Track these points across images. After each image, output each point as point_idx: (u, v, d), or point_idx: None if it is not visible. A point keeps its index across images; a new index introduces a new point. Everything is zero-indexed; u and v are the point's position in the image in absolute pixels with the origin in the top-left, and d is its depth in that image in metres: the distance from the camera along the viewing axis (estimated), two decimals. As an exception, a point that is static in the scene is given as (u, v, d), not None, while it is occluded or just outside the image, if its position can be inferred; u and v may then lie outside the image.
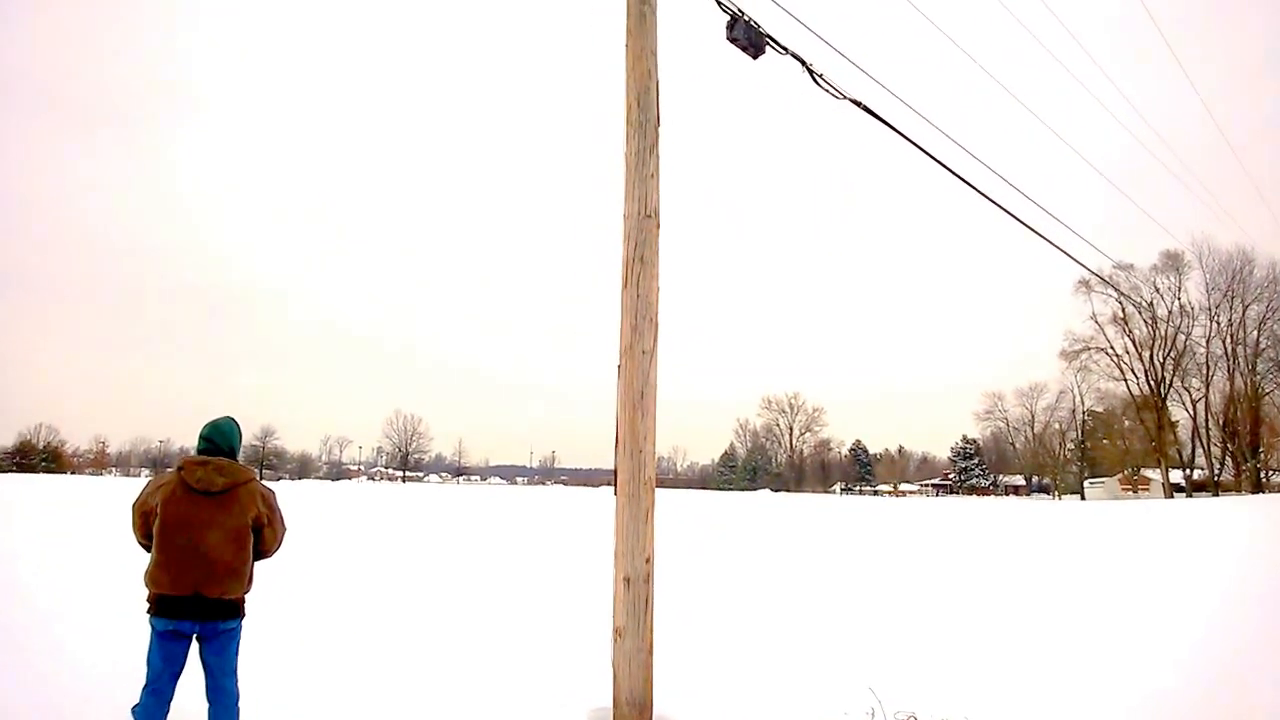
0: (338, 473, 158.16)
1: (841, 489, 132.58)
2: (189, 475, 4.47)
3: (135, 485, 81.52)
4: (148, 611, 4.41)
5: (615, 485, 5.13)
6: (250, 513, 4.57)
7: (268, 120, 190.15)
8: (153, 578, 4.35)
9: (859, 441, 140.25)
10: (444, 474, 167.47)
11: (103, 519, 25.22)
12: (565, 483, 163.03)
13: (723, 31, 5.90)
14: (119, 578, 12.74)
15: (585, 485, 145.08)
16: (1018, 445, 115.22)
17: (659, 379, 5.09)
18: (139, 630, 7.90)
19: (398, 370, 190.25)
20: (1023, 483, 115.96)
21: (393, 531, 26.67)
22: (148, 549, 4.56)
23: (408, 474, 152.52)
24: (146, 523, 4.51)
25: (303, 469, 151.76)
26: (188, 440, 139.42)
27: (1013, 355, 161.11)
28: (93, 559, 15.40)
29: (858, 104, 7.14)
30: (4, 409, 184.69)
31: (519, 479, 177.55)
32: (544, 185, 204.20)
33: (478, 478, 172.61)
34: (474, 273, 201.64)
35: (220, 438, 4.71)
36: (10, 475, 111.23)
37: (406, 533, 26.30)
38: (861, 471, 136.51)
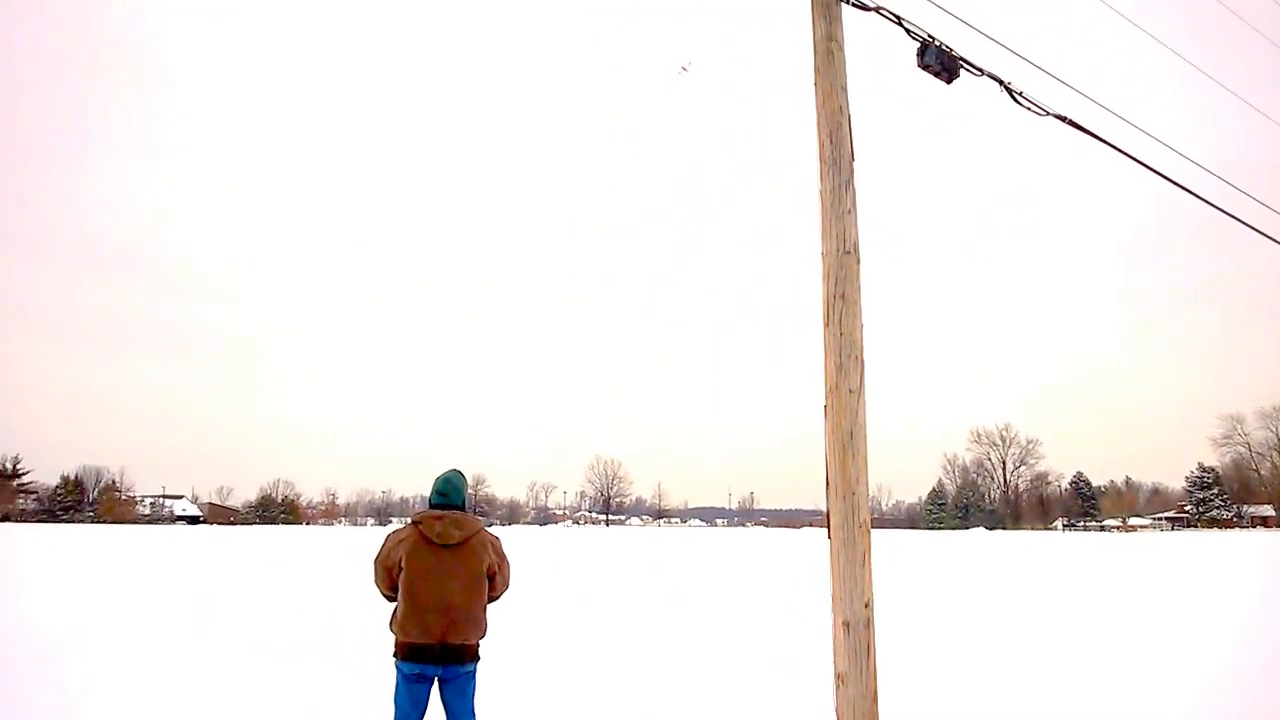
0: (544, 517, 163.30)
1: (1064, 525, 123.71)
2: (428, 530, 4.77)
3: (362, 534, 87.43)
4: (395, 656, 4.76)
5: (828, 528, 5.02)
6: (485, 561, 4.87)
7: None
8: (401, 627, 4.69)
9: (1080, 474, 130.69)
10: (645, 517, 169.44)
11: (340, 568, 27.10)
12: (765, 524, 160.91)
13: (912, 59, 5.78)
14: (356, 621, 13.64)
15: (787, 526, 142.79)
16: (1263, 472, 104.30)
17: (867, 418, 4.97)
18: (377, 670, 8.41)
19: (597, 414, 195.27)
20: (1271, 513, 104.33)
21: (605, 575, 27.21)
22: (390, 599, 4.94)
23: (610, 518, 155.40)
24: (390, 576, 4.86)
25: (512, 514, 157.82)
26: (406, 491, 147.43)
27: (1250, 373, 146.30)
28: (342, 602, 16.57)
29: (1063, 119, 6.78)
30: (248, 466, 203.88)
31: (719, 521, 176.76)
32: (735, 221, 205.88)
33: (678, 520, 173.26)
34: (662, 314, 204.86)
35: (453, 491, 5.00)
36: (253, 527, 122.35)
37: (618, 576, 26.76)
38: (1085, 506, 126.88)
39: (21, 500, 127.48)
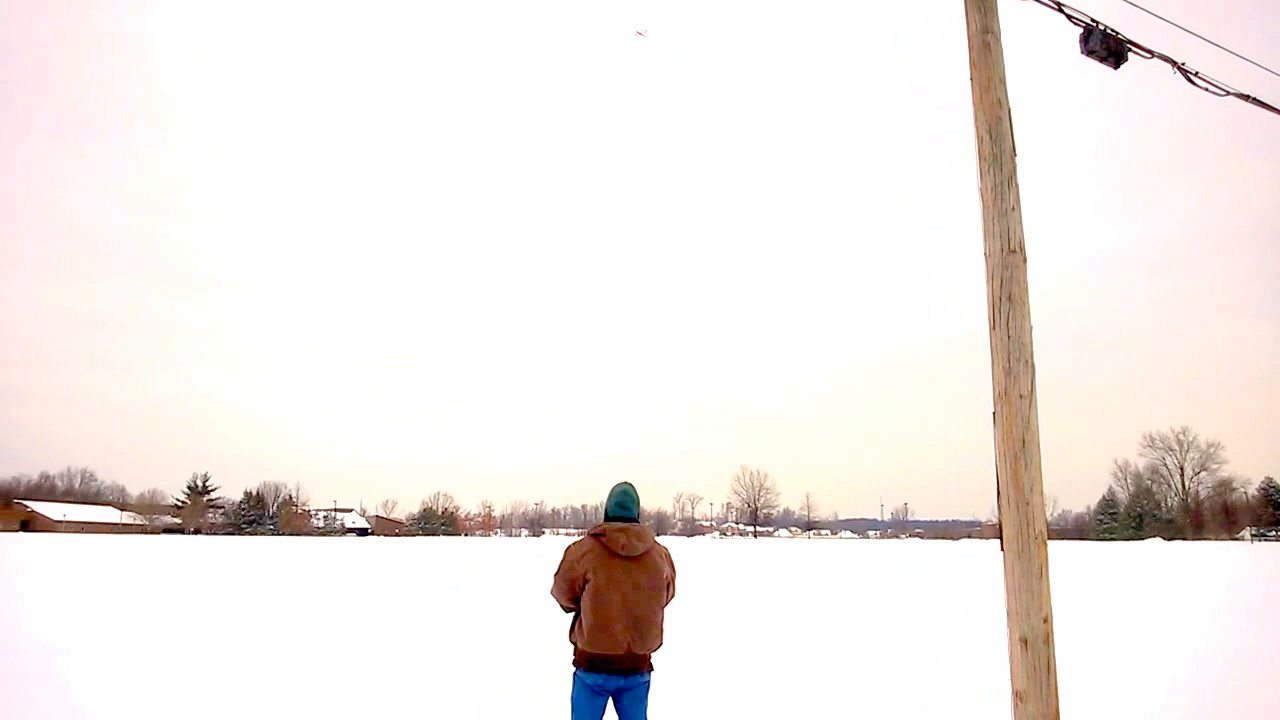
0: (691, 529, 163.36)
1: (1253, 535, 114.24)
2: (612, 543, 4.84)
3: (519, 545, 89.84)
4: (576, 665, 4.86)
5: (1001, 540, 4.80)
6: (663, 572, 4.96)
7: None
8: (589, 639, 4.76)
9: (1270, 479, 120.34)
10: (793, 528, 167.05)
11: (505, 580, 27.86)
12: (921, 536, 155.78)
13: (1074, 46, 5.51)
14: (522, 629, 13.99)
15: (944, 538, 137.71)
16: None
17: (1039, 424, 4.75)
18: (548, 678, 8.59)
19: (743, 425, 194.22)
20: None
21: (758, 586, 26.97)
22: (568, 610, 5.04)
23: (758, 529, 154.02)
24: (574, 588, 4.92)
25: (659, 526, 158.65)
26: (558, 502, 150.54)
27: None
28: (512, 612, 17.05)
29: (1245, 97, 6.31)
30: (411, 483, 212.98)
31: (870, 532, 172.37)
32: (880, 230, 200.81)
33: (827, 531, 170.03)
34: (802, 321, 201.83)
35: (632, 504, 5.05)
36: (416, 539, 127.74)
37: (772, 588, 26.48)
38: (1277, 514, 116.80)
39: (211, 515, 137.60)
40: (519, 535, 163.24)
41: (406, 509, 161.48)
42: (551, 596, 5.13)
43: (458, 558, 51.68)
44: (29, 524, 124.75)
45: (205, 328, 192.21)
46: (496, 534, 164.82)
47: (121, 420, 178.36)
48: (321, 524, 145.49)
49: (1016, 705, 4.73)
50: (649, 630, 4.80)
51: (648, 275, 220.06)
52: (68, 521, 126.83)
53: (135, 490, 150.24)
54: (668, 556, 5.07)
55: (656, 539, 5.08)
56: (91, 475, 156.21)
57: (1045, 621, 4.56)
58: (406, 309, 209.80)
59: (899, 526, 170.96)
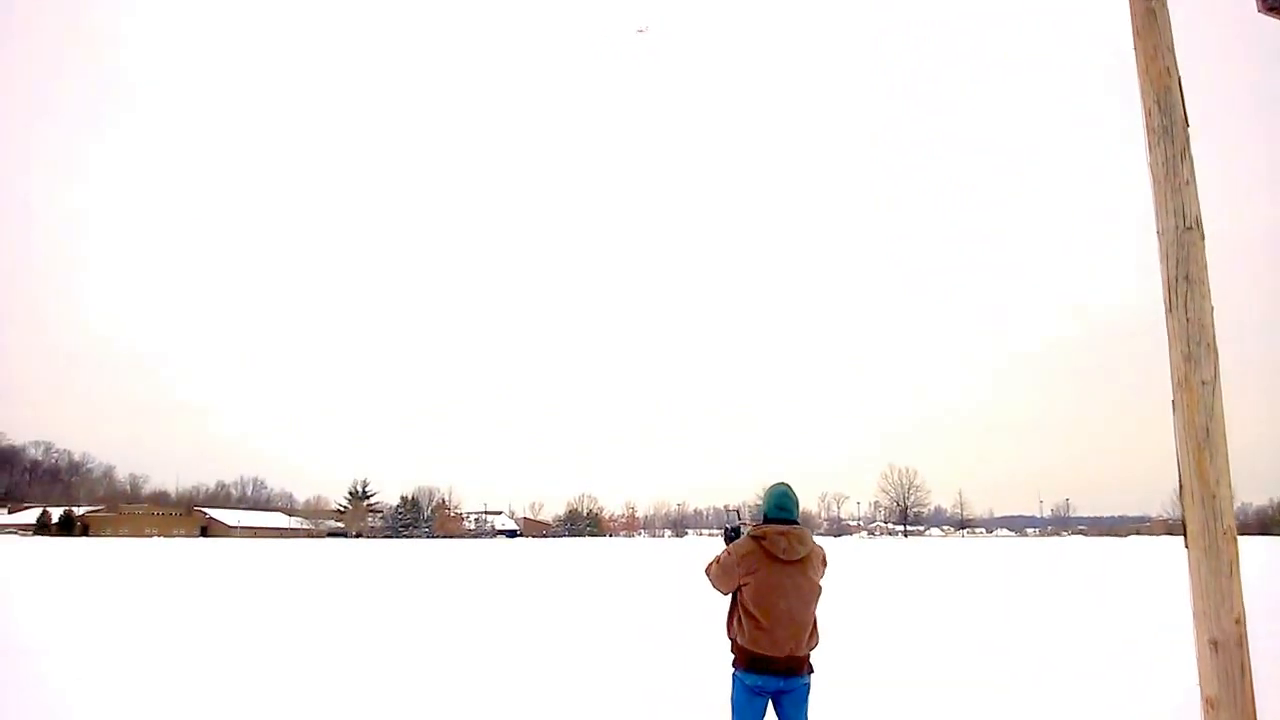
0: (838, 528, 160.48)
1: None
2: (773, 546, 4.83)
3: (662, 546, 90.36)
4: (736, 667, 4.87)
5: (1184, 536, 4.52)
6: (820, 574, 4.98)
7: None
8: (752, 639, 4.77)
9: None
10: (945, 527, 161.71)
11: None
12: (1084, 533, 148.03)
13: (1249, 5, 5.12)
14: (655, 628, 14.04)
15: (1110, 535, 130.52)
16: None
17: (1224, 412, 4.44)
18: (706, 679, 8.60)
19: (888, 421, 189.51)
20: None
21: (915, 586, 26.27)
22: (723, 593, 5.06)
23: (908, 528, 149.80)
24: (732, 583, 4.94)
25: (804, 526, 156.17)
26: (700, 503, 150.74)
27: None
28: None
29: None
30: (556, 483, 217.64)
31: (1028, 530, 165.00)
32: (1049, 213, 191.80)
33: (982, 530, 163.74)
34: (948, 313, 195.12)
35: (792, 505, 5.06)
36: (562, 539, 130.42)
37: (929, 587, 25.73)
38: None
39: (371, 519, 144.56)
40: (662, 536, 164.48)
41: (552, 510, 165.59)
42: (706, 577, 5.15)
43: (605, 557, 52.48)
44: (207, 530, 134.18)
45: (358, 340, 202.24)
46: (640, 534, 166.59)
47: (289, 430, 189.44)
48: (473, 526, 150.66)
49: (1208, 712, 4.44)
50: (808, 632, 4.81)
51: (767, 272, 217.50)
52: (242, 527, 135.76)
53: (302, 497, 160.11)
54: (824, 557, 5.06)
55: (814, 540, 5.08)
56: (262, 483, 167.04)
57: (1237, 623, 4.26)
58: (535, 316, 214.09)
59: (1060, 524, 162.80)
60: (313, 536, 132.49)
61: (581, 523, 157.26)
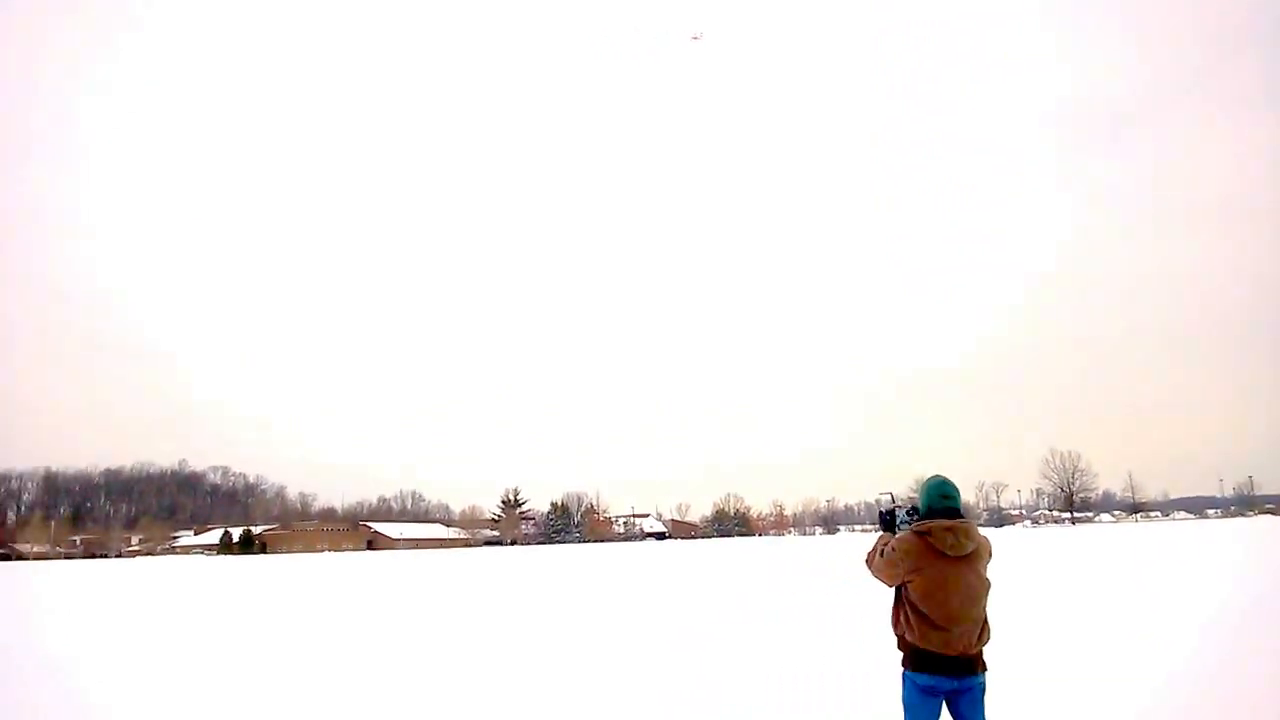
0: (999, 518, 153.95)
1: None
2: (939, 541, 4.62)
3: (813, 543, 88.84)
4: (907, 666, 4.71)
5: None
6: (986, 567, 4.79)
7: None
8: (922, 637, 4.60)
9: None
10: (1116, 512, 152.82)
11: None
12: (1272, 512, 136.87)
13: None
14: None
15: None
16: None
17: None
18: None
19: (1046, 405, 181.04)
20: None
21: (1090, 576, 24.66)
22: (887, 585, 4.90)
23: (1075, 515, 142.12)
24: (896, 578, 4.78)
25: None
26: (851, 499, 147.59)
27: None
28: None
29: None
30: (703, 483, 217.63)
31: (1209, 511, 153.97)
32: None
33: (1157, 514, 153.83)
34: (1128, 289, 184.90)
35: (957, 497, 4.84)
36: (711, 540, 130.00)
37: (1107, 577, 24.11)
38: None
39: (524, 526, 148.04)
40: (813, 533, 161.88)
41: (700, 511, 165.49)
42: (867, 568, 5.01)
43: (756, 556, 51.81)
44: (373, 543, 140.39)
45: (488, 356, 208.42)
46: (790, 533, 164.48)
47: (443, 444, 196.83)
48: (622, 530, 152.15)
49: None
50: (981, 631, 4.64)
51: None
52: (404, 539, 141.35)
53: (457, 507, 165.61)
54: (990, 551, 4.85)
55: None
56: (420, 496, 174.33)
57: None
58: (690, 324, 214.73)
59: (1244, 503, 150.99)
60: (470, 546, 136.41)
61: (730, 523, 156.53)
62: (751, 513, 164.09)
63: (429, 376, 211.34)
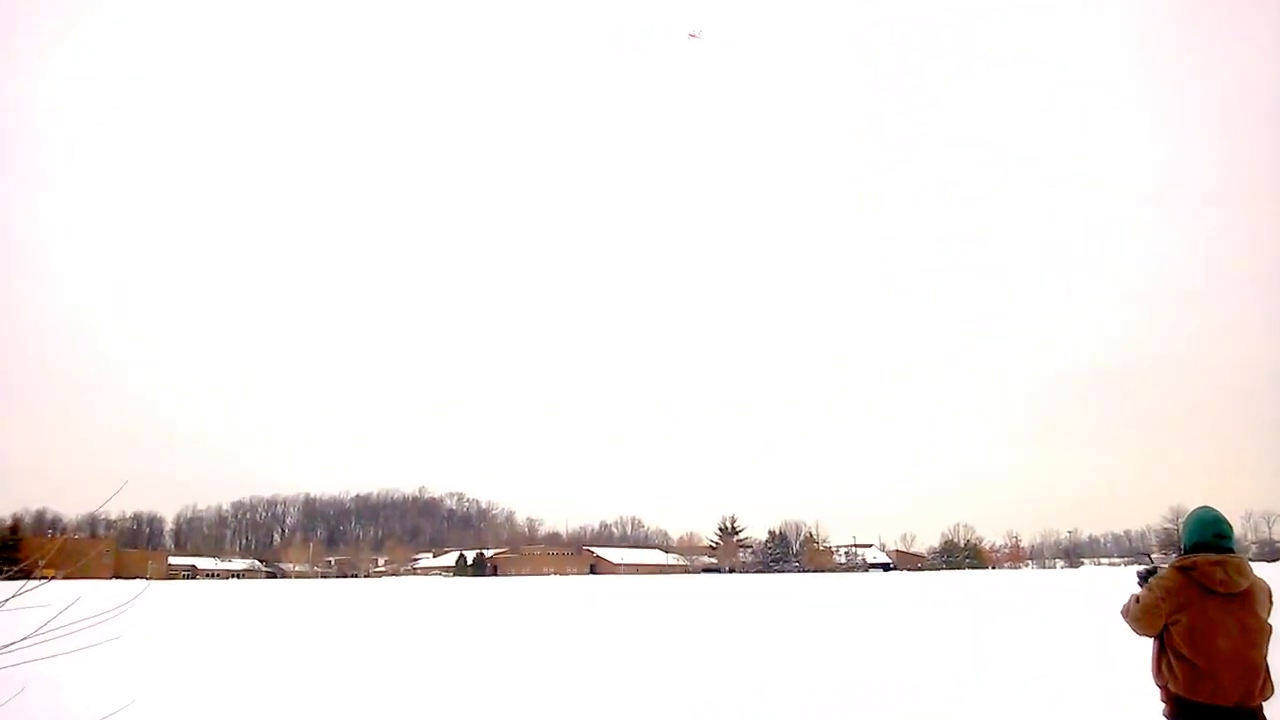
0: (1270, 552, 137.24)
1: None
2: (1206, 578, 4.21)
3: (1047, 577, 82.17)
4: (1170, 716, 4.31)
5: None
6: (1266, 610, 4.30)
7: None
8: (1188, 686, 4.18)
9: None
10: None
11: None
12: None
13: None
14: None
15: None
16: None
17: None
18: None
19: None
20: None
21: None
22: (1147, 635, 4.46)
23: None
24: (1156, 625, 4.36)
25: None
26: (1095, 530, 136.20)
27: None
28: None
29: None
30: (932, 510, 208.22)
31: None
32: None
33: None
34: None
35: (1231, 536, 4.40)
36: (939, 572, 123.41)
37: None
38: None
39: (741, 553, 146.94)
40: (1053, 566, 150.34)
41: (926, 542, 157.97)
42: (1123, 619, 4.57)
43: (990, 590, 48.38)
44: (595, 567, 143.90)
45: (724, 386, 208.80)
46: (1027, 565, 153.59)
47: (660, 470, 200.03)
48: (843, 560, 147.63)
49: None
50: (1259, 679, 4.15)
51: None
52: (625, 564, 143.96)
53: (675, 534, 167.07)
54: (1269, 592, 4.34)
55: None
56: (639, 521, 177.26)
57: None
58: (894, 352, 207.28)
59: None
60: (688, 572, 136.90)
61: (960, 554, 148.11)
62: (983, 543, 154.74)
63: (644, 404, 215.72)
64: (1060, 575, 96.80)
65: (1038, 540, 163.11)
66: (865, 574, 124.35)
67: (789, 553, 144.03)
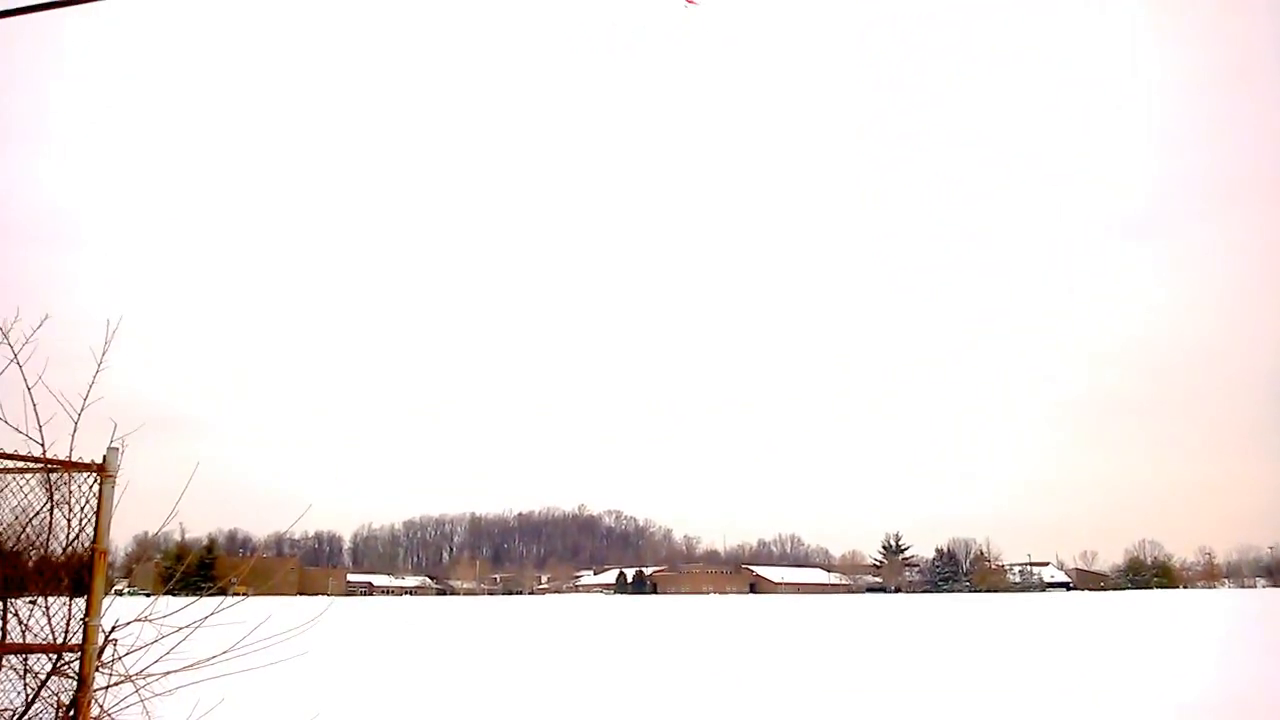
0: None
1: None
2: None
3: (1249, 599, 75.21)
4: None
5: None
6: None
7: None
8: None
9: None
10: None
11: None
12: None
13: None
14: None
15: None
16: None
17: None
18: None
19: None
20: None
21: None
22: None
23: None
24: None
25: None
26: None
27: None
28: None
29: None
30: (1111, 531, 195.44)
31: None
32: None
33: None
34: None
35: None
36: (1125, 592, 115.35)
37: None
38: None
39: (907, 573, 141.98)
40: (1253, 586, 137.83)
41: (1109, 560, 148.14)
42: None
43: (1183, 613, 44.38)
44: (755, 586, 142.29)
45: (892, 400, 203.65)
46: (1223, 584, 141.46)
47: (821, 485, 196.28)
48: (1017, 579, 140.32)
49: None
50: None
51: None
52: (785, 583, 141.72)
53: (837, 552, 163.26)
54: None
55: None
56: (799, 539, 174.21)
57: None
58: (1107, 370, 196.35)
59: None
60: (851, 592, 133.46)
61: (1147, 572, 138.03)
62: (1173, 560, 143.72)
63: (802, 417, 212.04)
64: (1265, 597, 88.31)
65: (1234, 556, 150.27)
66: (1043, 594, 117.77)
67: (958, 571, 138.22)
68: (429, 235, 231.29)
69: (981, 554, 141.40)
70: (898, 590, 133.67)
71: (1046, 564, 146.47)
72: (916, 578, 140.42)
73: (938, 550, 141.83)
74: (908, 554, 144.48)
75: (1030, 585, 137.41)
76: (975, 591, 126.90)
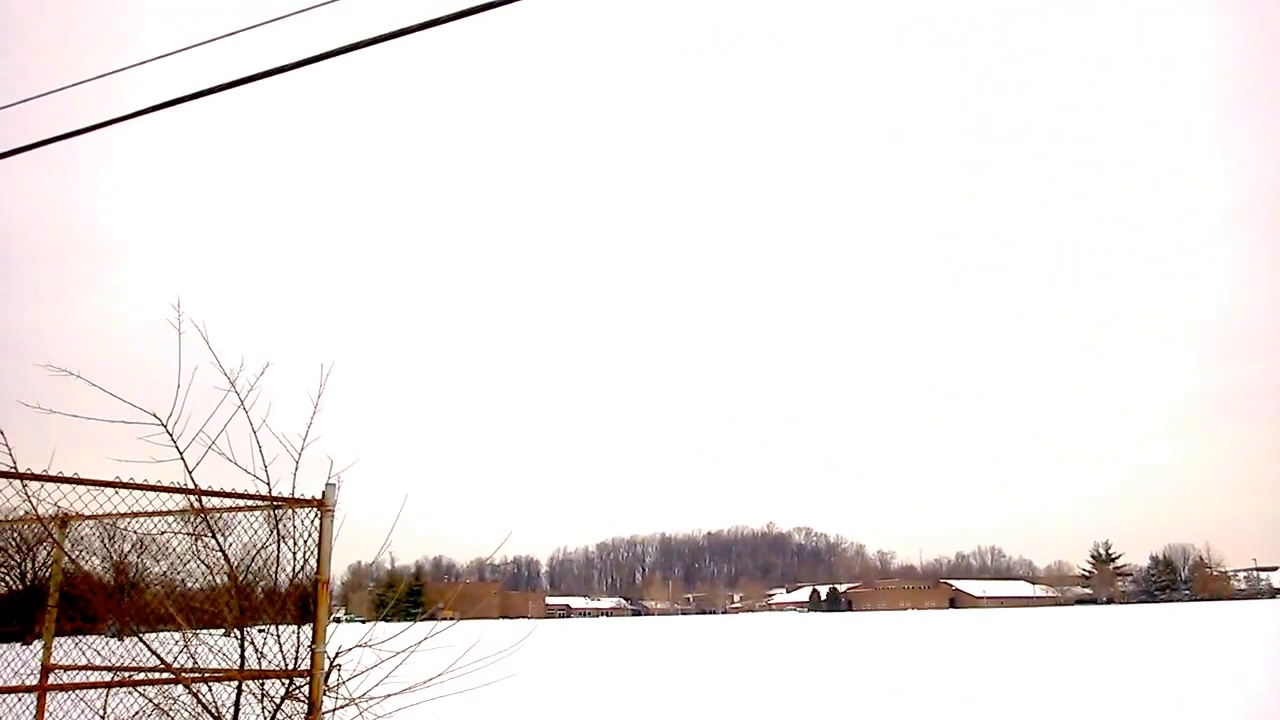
0: None
1: None
2: None
3: None
4: None
5: None
6: None
7: None
8: None
9: None
10: None
11: None
12: None
13: None
14: None
15: None
16: None
17: None
18: None
19: None
20: None
21: None
22: None
23: None
24: None
25: None
26: None
27: None
28: None
29: None
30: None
31: None
32: None
33: None
34: None
35: None
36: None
37: None
38: None
39: (1119, 582, 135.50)
40: None
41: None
42: None
43: None
44: (955, 601, 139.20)
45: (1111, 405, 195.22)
46: None
47: (1022, 498, 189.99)
48: (1243, 586, 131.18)
49: None
50: None
51: None
52: (988, 597, 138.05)
53: (1041, 563, 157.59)
54: None
55: None
56: (1000, 552, 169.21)
57: None
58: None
59: None
60: (1059, 604, 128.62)
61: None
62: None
63: (1000, 429, 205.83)
64: None
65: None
66: (1273, 601, 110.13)
67: (1176, 580, 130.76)
68: (595, 256, 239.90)
69: (1201, 560, 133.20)
70: (1110, 601, 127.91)
71: (1275, 568, 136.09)
72: (1130, 588, 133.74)
73: (1152, 558, 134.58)
74: (1120, 563, 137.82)
75: (1260, 592, 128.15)
76: (1196, 600, 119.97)
